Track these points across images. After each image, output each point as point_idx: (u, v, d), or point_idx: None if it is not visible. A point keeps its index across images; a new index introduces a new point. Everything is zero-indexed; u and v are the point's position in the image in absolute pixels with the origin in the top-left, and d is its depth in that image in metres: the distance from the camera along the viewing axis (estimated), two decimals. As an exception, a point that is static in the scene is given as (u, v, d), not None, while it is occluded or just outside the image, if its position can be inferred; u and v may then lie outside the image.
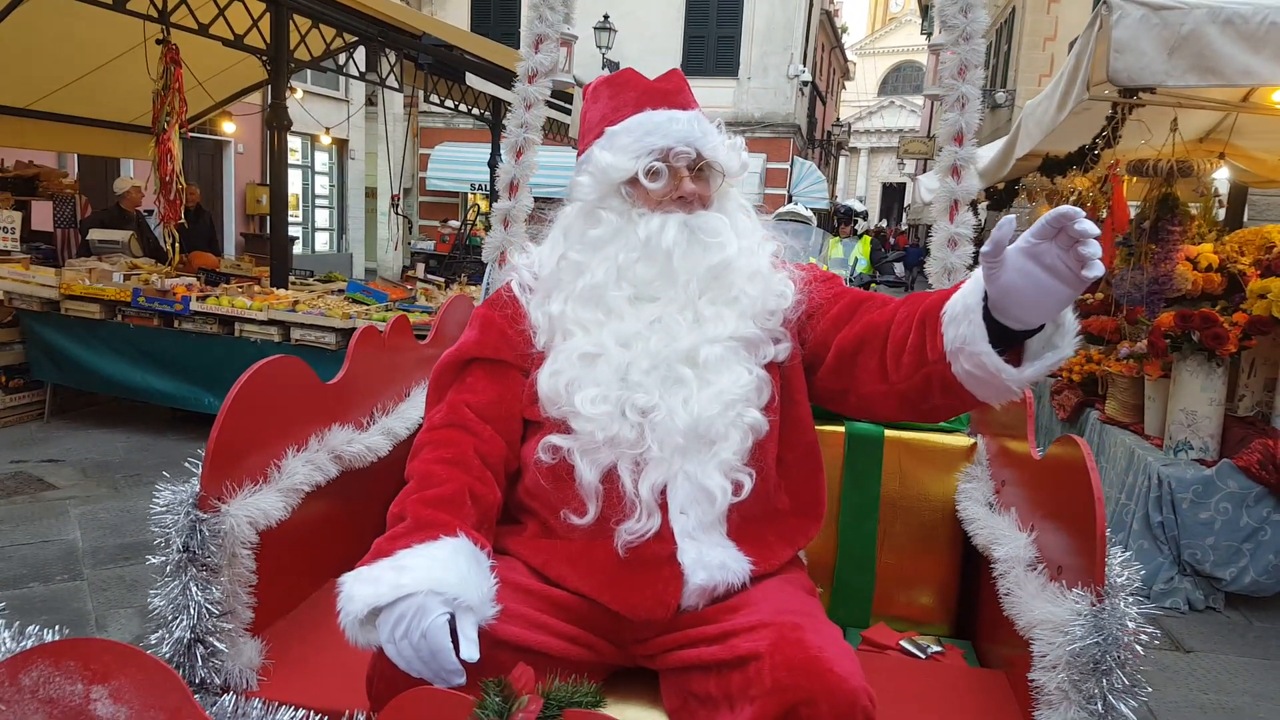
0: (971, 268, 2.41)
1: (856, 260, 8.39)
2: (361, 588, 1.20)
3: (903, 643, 1.84)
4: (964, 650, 1.88)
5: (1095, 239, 1.08)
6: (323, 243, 17.31)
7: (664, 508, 1.40)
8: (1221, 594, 3.95)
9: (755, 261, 1.56)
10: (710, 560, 1.40)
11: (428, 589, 1.17)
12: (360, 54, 8.19)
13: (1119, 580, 1.30)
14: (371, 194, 17.37)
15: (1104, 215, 7.77)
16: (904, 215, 38.03)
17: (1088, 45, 3.90)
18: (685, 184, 1.52)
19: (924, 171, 15.64)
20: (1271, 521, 3.82)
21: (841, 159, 39.18)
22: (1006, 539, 1.61)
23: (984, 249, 1.16)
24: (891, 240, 26.35)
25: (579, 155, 1.67)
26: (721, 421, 1.42)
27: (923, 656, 1.81)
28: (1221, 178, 7.65)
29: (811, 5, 18.67)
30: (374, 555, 1.26)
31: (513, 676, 0.95)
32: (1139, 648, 1.24)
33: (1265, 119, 5.75)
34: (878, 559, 2.02)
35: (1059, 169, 6.47)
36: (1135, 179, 6.22)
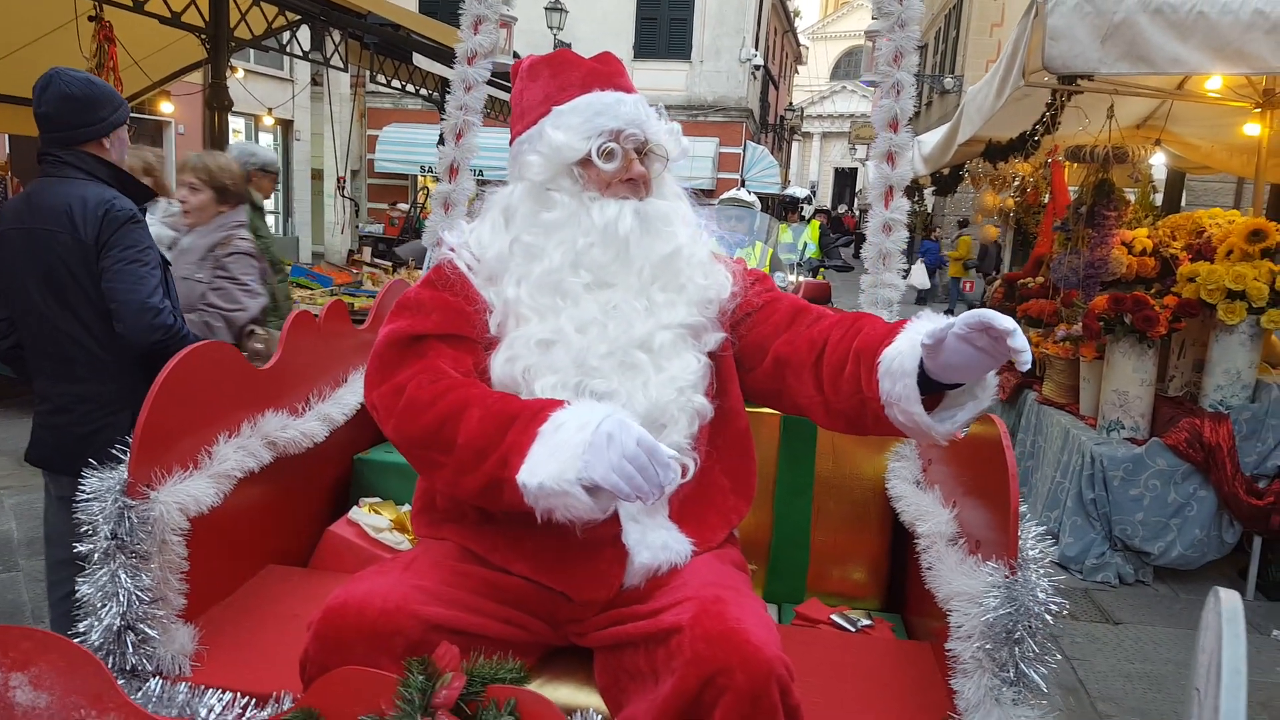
0: (905, 252, 2.47)
1: (805, 245, 8.49)
2: (563, 450, 1.20)
3: (834, 617, 1.89)
4: (894, 624, 1.94)
5: (1018, 332, 1.17)
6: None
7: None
8: (1150, 568, 4.11)
9: (701, 250, 1.59)
10: (653, 541, 1.43)
11: (608, 413, 1.22)
12: (304, 33, 8.01)
13: (1032, 554, 1.36)
14: (318, 176, 17.02)
15: (1045, 200, 7.96)
16: (854, 200, 38.51)
17: (1024, 32, 3.98)
18: (635, 166, 1.53)
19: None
20: (1197, 497, 3.98)
21: (794, 144, 39.43)
22: (930, 515, 1.67)
23: (924, 339, 1.25)
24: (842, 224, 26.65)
25: (515, 134, 1.65)
26: (674, 406, 1.45)
27: (853, 630, 1.86)
28: (1159, 163, 7.87)
29: (764, -12, 18.71)
30: (515, 456, 1.24)
31: (436, 655, 0.96)
32: (1049, 617, 1.30)
33: (1198, 106, 5.93)
34: (812, 537, 2.07)
35: (1001, 155, 6.59)
36: (1074, 165, 6.38)
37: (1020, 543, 1.35)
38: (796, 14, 26.85)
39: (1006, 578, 1.31)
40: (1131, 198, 8.01)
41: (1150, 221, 5.84)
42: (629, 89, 1.62)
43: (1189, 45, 3.53)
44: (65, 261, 2.12)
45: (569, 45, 17.42)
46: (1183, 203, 10.40)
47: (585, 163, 1.53)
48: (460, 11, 2.47)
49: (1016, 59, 4.18)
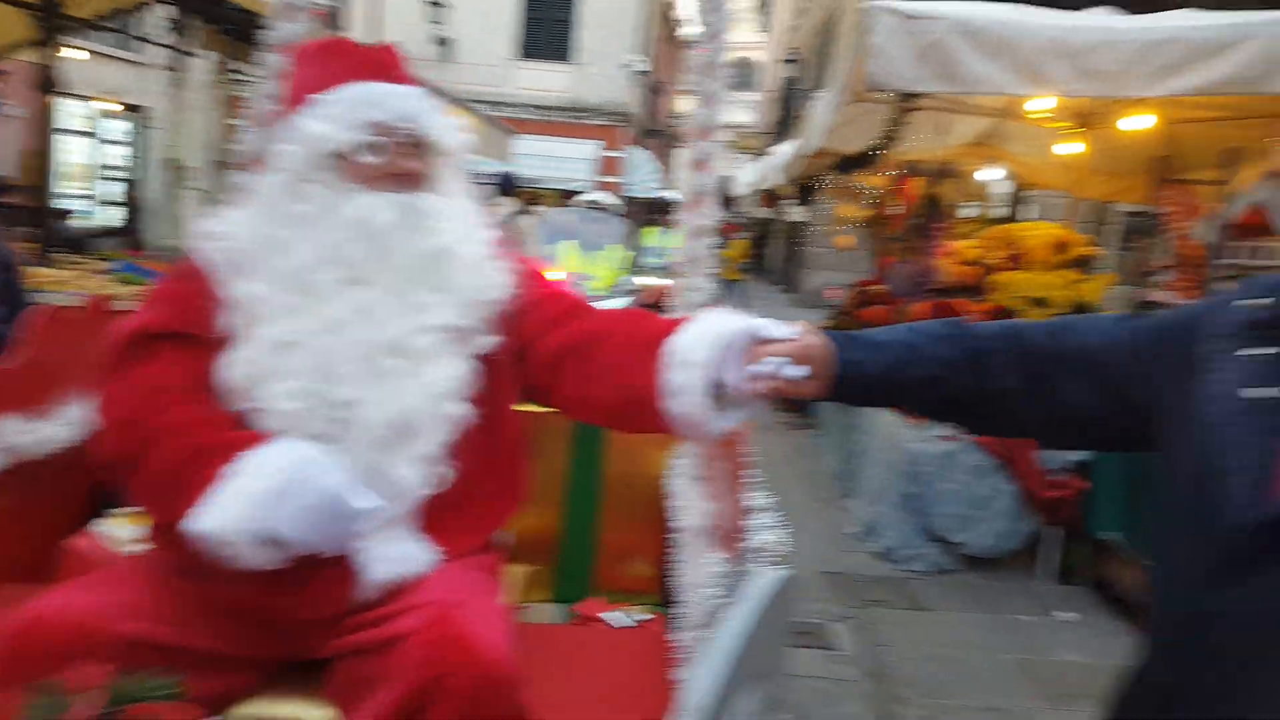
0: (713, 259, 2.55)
1: (668, 249, 8.63)
2: (239, 499, 1.17)
3: (607, 614, 1.93)
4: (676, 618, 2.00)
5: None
6: (116, 218, 15.90)
7: None
8: (960, 557, 4.38)
9: (474, 249, 1.55)
10: (392, 553, 1.39)
11: (297, 459, 1.19)
12: (154, 14, 7.57)
13: (760, 544, 1.43)
14: (174, 166, 16.10)
15: (899, 211, 8.36)
16: (727, 206, 39.46)
17: (854, 50, 4.17)
18: (402, 161, 1.48)
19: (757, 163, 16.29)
20: (1002, 490, 4.28)
21: (679, 151, 39.90)
22: (689, 510, 1.72)
23: (728, 338, 1.29)
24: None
25: (278, 121, 1.59)
26: (426, 414, 1.41)
27: (631, 625, 1.91)
28: (999, 178, 8.39)
29: (647, -6, 18.90)
30: (189, 498, 1.20)
31: (75, 675, 0.93)
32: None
33: (1026, 126, 6.36)
34: (600, 535, 2.11)
35: (851, 167, 6.89)
36: (914, 179, 6.74)
37: (749, 535, 1.42)
38: (683, 24, 27.21)
39: (731, 568, 1.38)
40: (975, 211, 8.52)
41: (972, 233, 6.23)
42: (405, 80, 1.58)
43: (996, 66, 3.78)
44: None
45: (450, 43, 17.17)
46: (1036, 215, 11.10)
47: (347, 154, 1.46)
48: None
49: (849, 75, 4.38)
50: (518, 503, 1.64)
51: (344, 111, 1.47)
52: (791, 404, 7.74)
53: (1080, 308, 4.45)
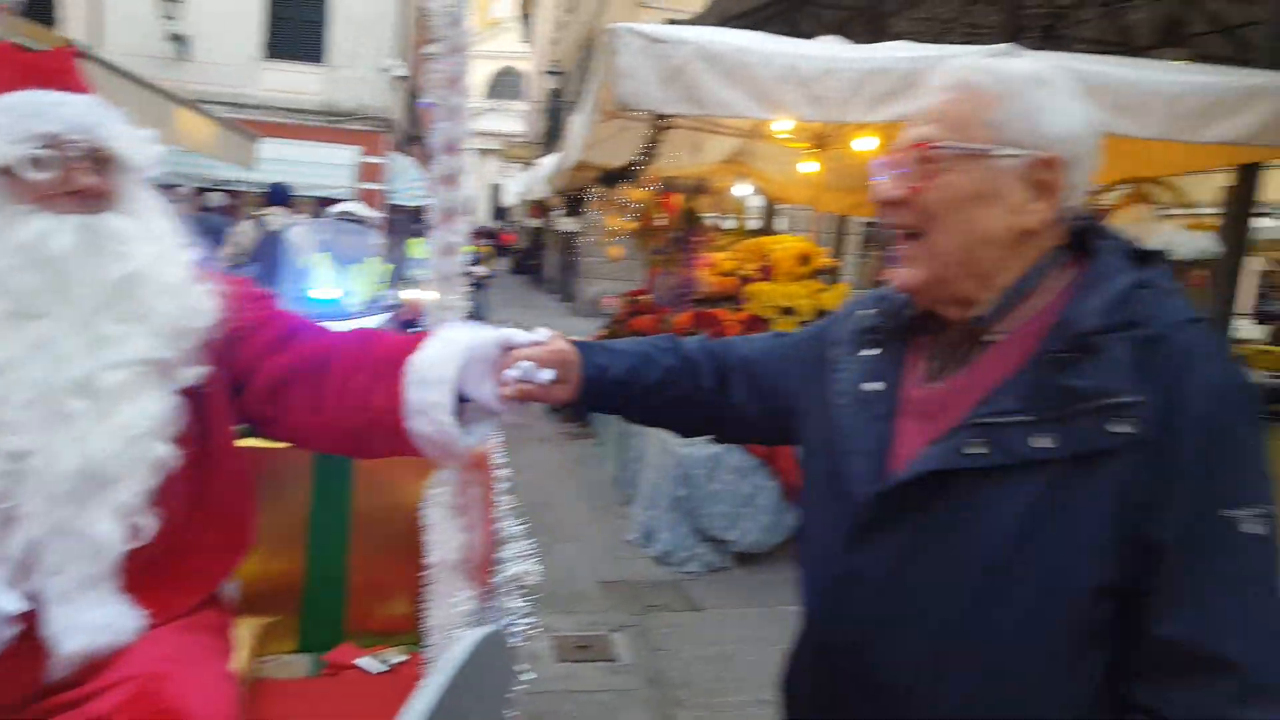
0: (465, 275, 2.48)
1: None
2: None
3: (363, 659, 1.81)
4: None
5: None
6: None
7: (33, 571, 1.21)
8: (730, 554, 4.59)
9: (172, 272, 1.41)
10: (89, 622, 1.24)
11: None
12: None
13: (510, 574, 1.38)
14: None
15: (664, 224, 8.64)
16: (502, 216, 39.57)
17: (601, 69, 4.24)
18: (79, 177, 1.33)
19: (526, 173, 16.30)
20: (764, 487, 4.53)
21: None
22: (442, 544, 1.65)
23: (476, 350, 1.28)
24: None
25: None
26: (122, 460, 1.26)
27: (385, 669, 1.80)
28: (748, 193, 8.94)
29: (405, -1, 18.38)
30: None
31: None
32: (519, 641, 1.33)
33: (772, 146, 6.81)
34: (349, 576, 1.97)
35: (613, 181, 7.05)
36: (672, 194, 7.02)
37: (500, 566, 1.37)
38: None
39: (480, 603, 1.32)
40: (732, 224, 9.00)
41: (729, 245, 6.60)
42: (79, 88, 1.41)
43: (736, 91, 3.98)
44: None
45: (187, 40, 15.76)
46: (786, 227, 11.94)
47: (14, 171, 1.29)
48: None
49: (599, 93, 4.45)
50: (243, 550, 1.49)
51: (7, 124, 1.30)
52: (570, 414, 7.79)
53: (823, 315, 4.81)
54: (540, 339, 1.27)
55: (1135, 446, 0.87)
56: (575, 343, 1.28)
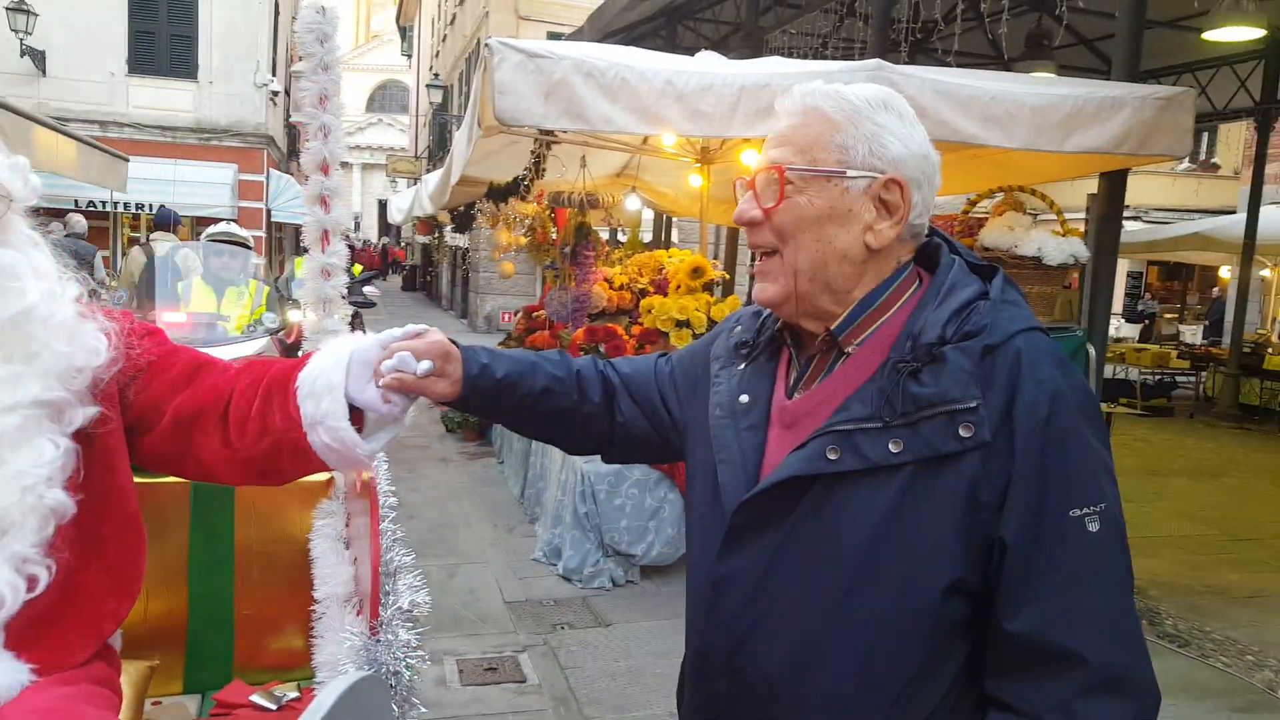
0: (346, 297, 2.44)
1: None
2: None
3: (253, 698, 1.75)
4: (327, 690, 1.86)
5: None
6: None
7: None
8: (637, 568, 4.61)
9: (60, 309, 1.33)
10: None
11: None
12: None
13: (397, 607, 1.37)
14: None
15: (554, 237, 8.65)
16: (391, 232, 38.79)
17: (478, 84, 4.20)
18: None
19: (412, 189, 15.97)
20: (668, 500, 4.57)
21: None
22: (330, 577, 1.62)
23: (362, 356, 1.27)
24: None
25: None
26: (17, 510, 1.18)
27: (275, 708, 1.75)
28: (637, 206, 9.03)
29: (277, 13, 17.79)
30: None
31: None
32: (408, 674, 1.31)
33: (660, 160, 6.91)
34: (236, 612, 1.90)
35: (502, 196, 7.02)
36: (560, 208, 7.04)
37: (389, 597, 1.35)
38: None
39: (368, 639, 1.30)
40: (624, 237, 9.07)
41: (623, 259, 6.65)
42: None
43: (618, 106, 4.02)
44: None
45: (43, 54, 14.82)
46: (675, 239, 12.10)
47: None
48: None
49: (477, 108, 4.41)
50: (134, 597, 1.42)
51: None
52: (469, 432, 7.67)
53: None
54: (418, 330, 1.27)
55: (977, 450, 0.93)
56: (460, 346, 1.29)
